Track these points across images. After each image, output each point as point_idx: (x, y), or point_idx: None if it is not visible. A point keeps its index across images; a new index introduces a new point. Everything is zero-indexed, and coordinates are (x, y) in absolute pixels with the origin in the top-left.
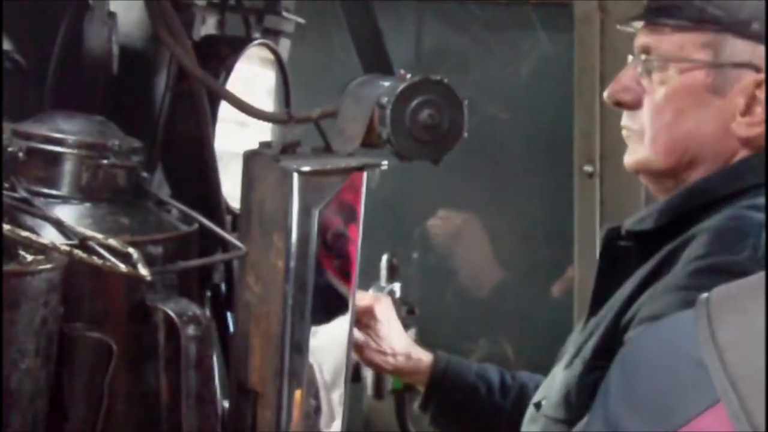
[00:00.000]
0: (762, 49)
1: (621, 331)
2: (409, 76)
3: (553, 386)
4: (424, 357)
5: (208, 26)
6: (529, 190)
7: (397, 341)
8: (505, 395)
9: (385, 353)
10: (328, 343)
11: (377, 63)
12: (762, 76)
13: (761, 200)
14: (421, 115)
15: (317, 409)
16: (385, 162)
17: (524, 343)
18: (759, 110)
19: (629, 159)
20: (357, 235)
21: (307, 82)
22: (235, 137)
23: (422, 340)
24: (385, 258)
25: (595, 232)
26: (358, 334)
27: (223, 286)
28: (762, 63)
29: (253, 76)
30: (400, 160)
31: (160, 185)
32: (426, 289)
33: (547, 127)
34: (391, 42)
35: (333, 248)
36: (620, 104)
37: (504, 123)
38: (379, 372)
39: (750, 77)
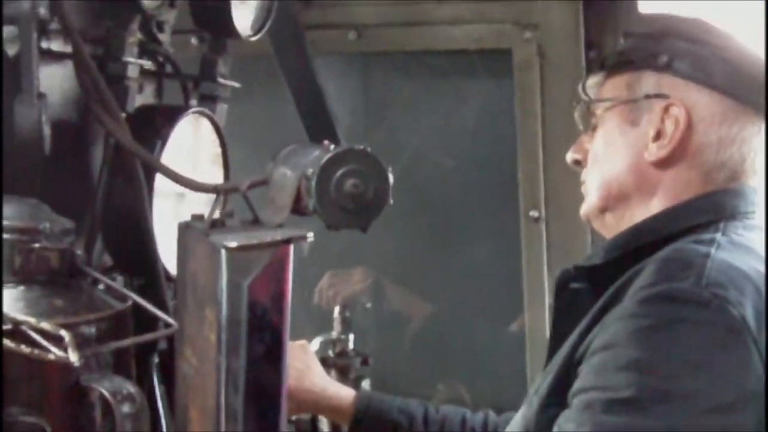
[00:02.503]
0: (671, 78)
1: (575, 365)
2: (332, 147)
3: (513, 426)
4: (344, 395)
5: (146, 93)
6: (478, 236)
7: (301, 380)
8: (428, 427)
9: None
10: None
11: (322, 130)
12: (669, 100)
13: (706, 236)
14: (345, 185)
15: None
16: (311, 234)
17: (480, 386)
18: (668, 132)
19: (581, 211)
20: (286, 306)
21: (258, 137)
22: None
23: (379, 389)
24: (337, 309)
25: (544, 275)
26: None
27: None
28: (671, 91)
29: (186, 139)
30: (328, 229)
31: (101, 254)
32: (382, 338)
33: (493, 173)
34: (339, 92)
35: (263, 320)
36: (576, 163)
37: (450, 170)
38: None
39: (659, 105)
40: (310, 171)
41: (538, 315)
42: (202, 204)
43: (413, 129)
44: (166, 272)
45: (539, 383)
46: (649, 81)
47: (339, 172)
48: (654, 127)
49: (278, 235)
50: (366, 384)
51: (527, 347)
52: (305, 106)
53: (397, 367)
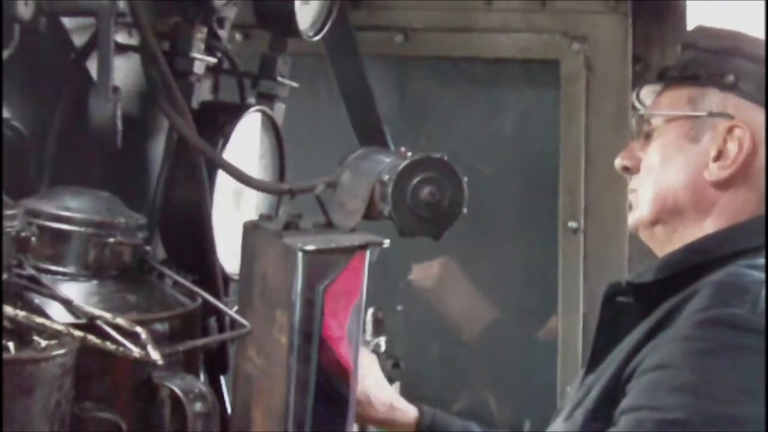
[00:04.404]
0: (735, 98)
1: (623, 382)
2: (409, 154)
3: None
4: (410, 410)
5: (202, 88)
6: (515, 244)
7: (379, 392)
8: None
9: (362, 404)
10: None
11: (372, 132)
12: (734, 121)
13: (760, 261)
14: (422, 192)
15: None
16: (387, 240)
17: (507, 394)
18: (730, 153)
19: (629, 220)
20: (360, 311)
21: (295, 135)
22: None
23: (407, 393)
24: (370, 312)
25: (579, 285)
26: None
27: None
28: (735, 111)
29: (245, 137)
30: (402, 235)
31: (155, 245)
32: (411, 341)
33: (532, 182)
34: (376, 93)
35: (336, 325)
36: (626, 170)
37: (488, 177)
38: (363, 423)
39: (723, 125)
40: (386, 177)
41: (572, 325)
42: (256, 202)
43: (451, 134)
44: (221, 268)
45: (580, 397)
46: (714, 99)
47: (416, 180)
48: (716, 147)
49: (355, 240)
50: (396, 387)
51: (559, 357)
52: (355, 108)
53: (425, 371)
